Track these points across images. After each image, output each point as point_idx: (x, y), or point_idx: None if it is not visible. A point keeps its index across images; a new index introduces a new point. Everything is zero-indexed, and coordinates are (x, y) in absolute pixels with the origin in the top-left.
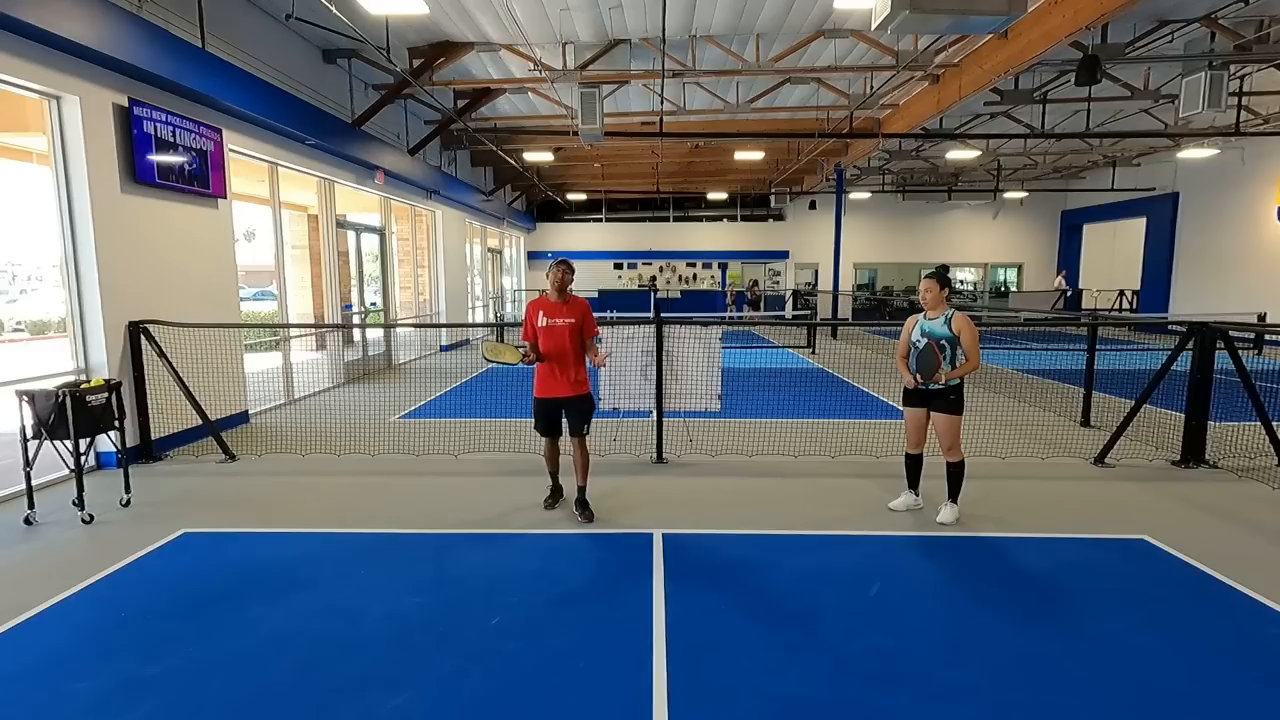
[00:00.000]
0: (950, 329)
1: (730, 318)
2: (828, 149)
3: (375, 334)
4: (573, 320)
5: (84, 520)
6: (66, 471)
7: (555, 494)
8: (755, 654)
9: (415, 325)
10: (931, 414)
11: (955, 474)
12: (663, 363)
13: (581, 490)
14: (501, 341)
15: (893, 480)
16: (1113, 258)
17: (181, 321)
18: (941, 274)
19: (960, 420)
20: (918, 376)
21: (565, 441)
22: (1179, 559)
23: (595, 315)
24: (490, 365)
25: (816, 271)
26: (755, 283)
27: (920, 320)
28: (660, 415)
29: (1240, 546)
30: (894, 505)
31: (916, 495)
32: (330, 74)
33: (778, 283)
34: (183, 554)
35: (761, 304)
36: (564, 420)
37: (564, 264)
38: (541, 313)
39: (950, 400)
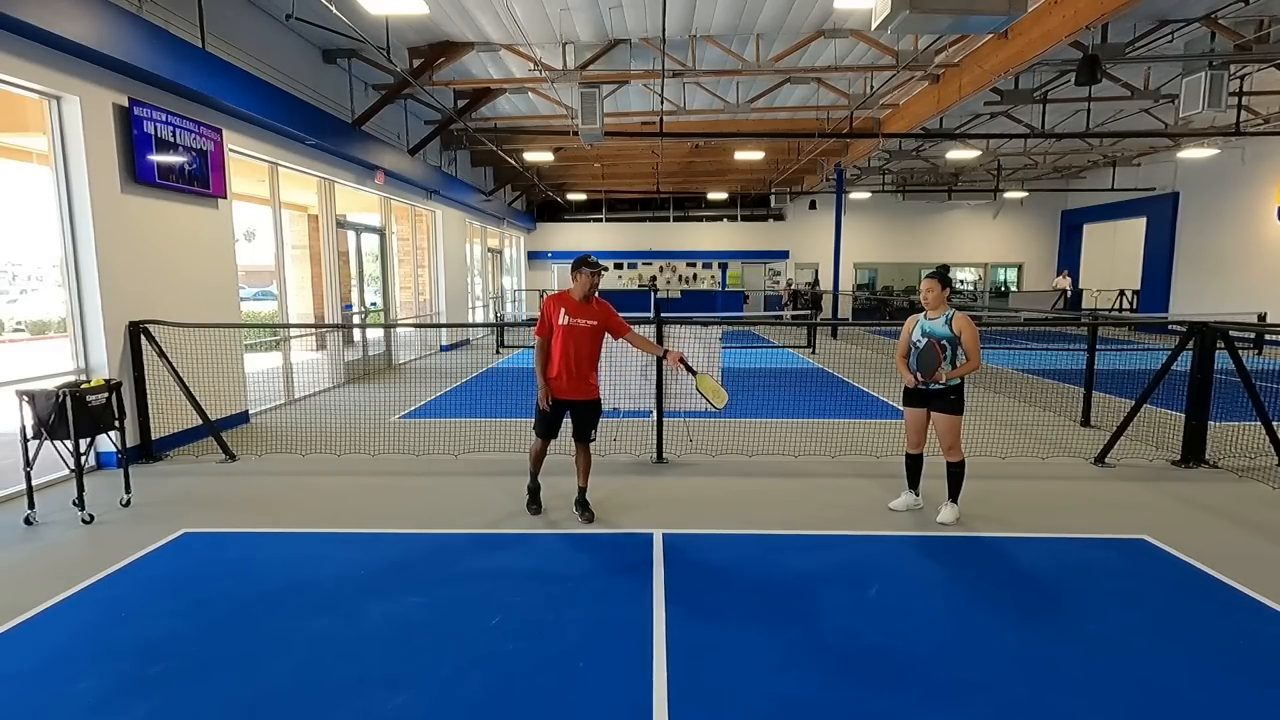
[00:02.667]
0: (951, 329)
1: (732, 317)
2: (828, 149)
3: (375, 334)
4: (595, 322)
5: (84, 520)
6: (66, 471)
7: (537, 496)
8: (755, 654)
9: (415, 325)
10: (932, 414)
11: (956, 474)
12: (663, 363)
13: (582, 491)
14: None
15: (893, 480)
16: (1113, 258)
17: (181, 321)
18: (942, 274)
19: (961, 420)
20: (918, 376)
21: (551, 445)
22: (1179, 559)
23: None
24: (489, 367)
25: (816, 271)
26: (810, 283)
27: (921, 320)
28: (660, 415)
29: (1240, 546)
30: (894, 505)
31: (917, 495)
32: (330, 74)
33: (777, 282)
34: (183, 554)
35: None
36: (567, 423)
37: (598, 269)
38: (564, 310)
39: (950, 400)
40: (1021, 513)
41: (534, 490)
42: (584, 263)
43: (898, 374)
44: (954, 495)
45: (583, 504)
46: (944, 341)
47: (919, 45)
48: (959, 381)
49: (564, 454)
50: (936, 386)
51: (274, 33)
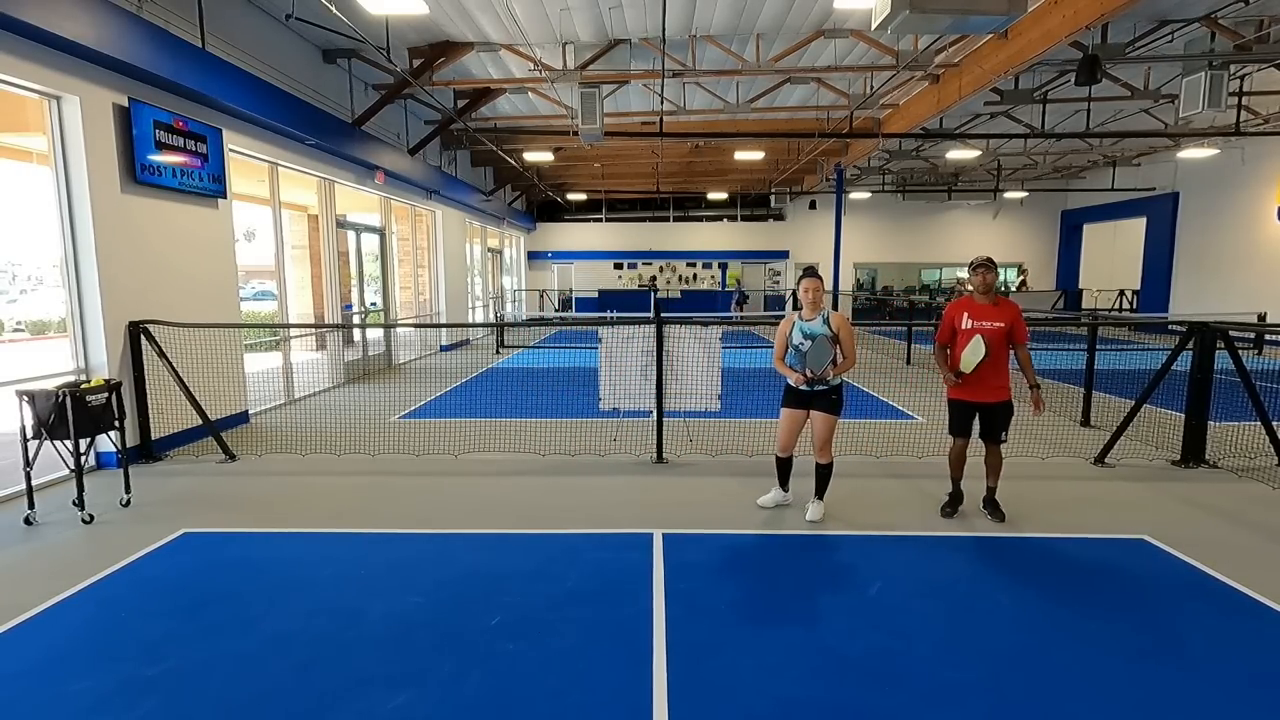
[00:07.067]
0: (830, 328)
1: (731, 318)
2: (828, 149)
3: (375, 334)
4: (1001, 324)
5: (84, 520)
6: (66, 471)
7: (956, 500)
8: (755, 654)
9: (415, 325)
10: (811, 413)
11: (824, 474)
12: (663, 363)
13: (991, 490)
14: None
15: (893, 480)
16: (1113, 258)
17: (181, 321)
18: (818, 272)
19: (837, 421)
20: (809, 372)
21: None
22: (1179, 559)
23: (594, 315)
24: (489, 367)
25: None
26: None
27: (798, 321)
28: (660, 415)
29: (1240, 546)
30: (762, 501)
31: (786, 491)
32: (330, 74)
33: (777, 283)
34: (183, 554)
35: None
36: (976, 424)
37: (988, 266)
38: (966, 314)
39: (832, 400)
40: (1021, 513)
41: (953, 495)
42: (981, 264)
43: (898, 375)
44: (820, 493)
45: (992, 503)
46: (829, 341)
47: (919, 45)
48: (839, 382)
49: (562, 455)
50: (821, 387)
51: (274, 33)
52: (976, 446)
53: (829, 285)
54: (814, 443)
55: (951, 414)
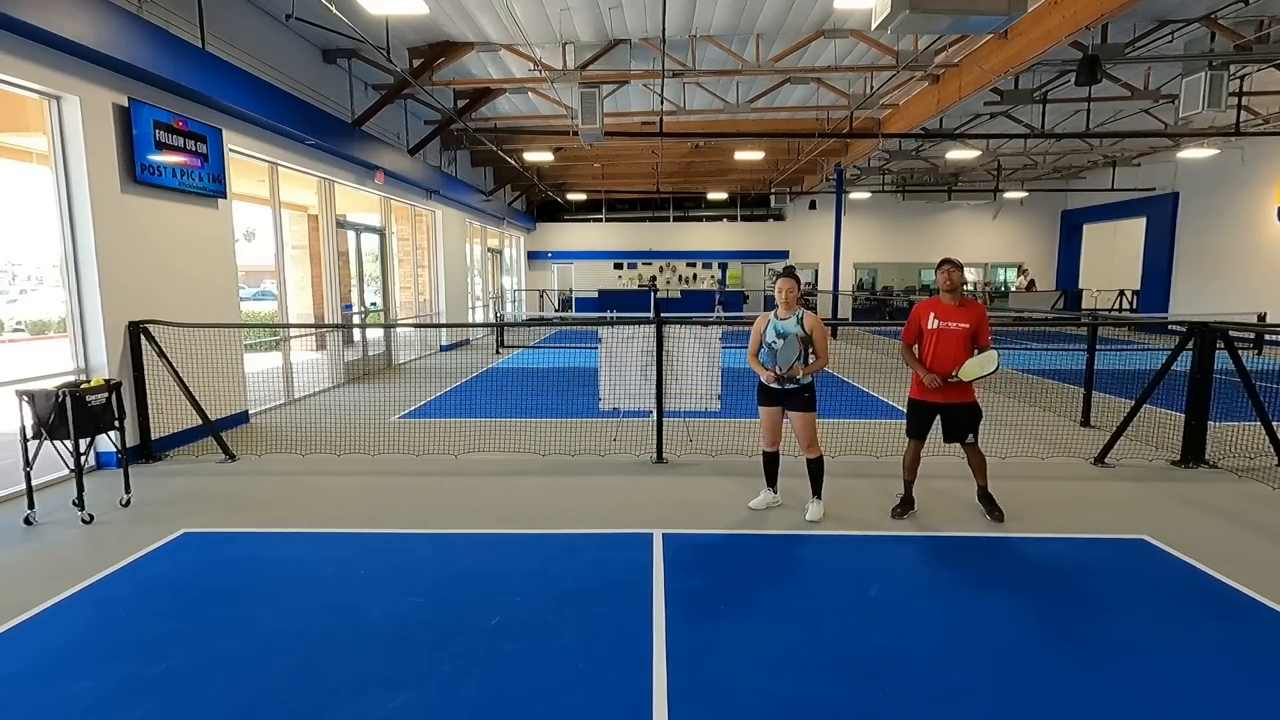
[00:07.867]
0: (803, 328)
1: (723, 317)
2: (828, 149)
3: (375, 334)
4: (966, 325)
5: (84, 520)
6: (66, 471)
7: (907, 503)
8: (755, 654)
9: (415, 325)
10: (787, 412)
11: (816, 471)
12: (663, 363)
13: (982, 488)
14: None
15: (894, 480)
16: (1113, 258)
17: (181, 321)
18: (796, 273)
19: (815, 418)
20: (780, 370)
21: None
22: (1179, 559)
23: (594, 315)
24: (489, 367)
25: (816, 271)
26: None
27: (772, 320)
28: (660, 415)
29: (1240, 546)
30: (754, 504)
31: (775, 493)
32: (330, 74)
33: (770, 281)
34: (183, 554)
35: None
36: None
37: (953, 264)
38: (933, 314)
39: (805, 398)
40: (1021, 513)
41: (904, 498)
42: (945, 261)
43: (898, 374)
44: (817, 492)
45: (987, 498)
46: (798, 340)
47: (919, 45)
48: (810, 380)
49: (562, 455)
50: (791, 385)
51: (274, 33)
52: (955, 450)
53: (829, 285)
54: (799, 442)
55: (910, 415)
